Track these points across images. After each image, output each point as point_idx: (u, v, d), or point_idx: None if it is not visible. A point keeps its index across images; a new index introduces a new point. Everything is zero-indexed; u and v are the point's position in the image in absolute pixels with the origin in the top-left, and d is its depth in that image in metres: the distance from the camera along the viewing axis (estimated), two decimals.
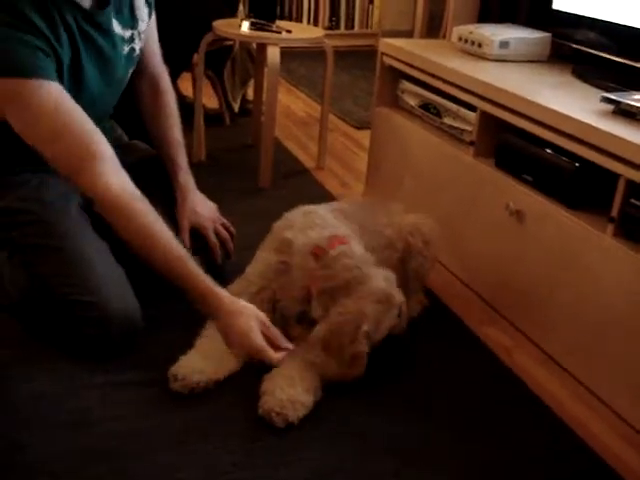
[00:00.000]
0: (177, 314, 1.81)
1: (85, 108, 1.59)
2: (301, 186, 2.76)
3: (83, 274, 1.61)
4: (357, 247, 1.62)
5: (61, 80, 1.54)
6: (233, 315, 1.47)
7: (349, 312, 1.54)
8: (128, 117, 1.93)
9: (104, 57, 1.66)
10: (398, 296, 1.61)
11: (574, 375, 1.70)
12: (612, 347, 1.59)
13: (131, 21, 1.72)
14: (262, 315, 1.50)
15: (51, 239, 1.64)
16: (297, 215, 1.73)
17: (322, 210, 1.74)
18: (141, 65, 1.86)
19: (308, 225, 1.66)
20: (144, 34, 1.78)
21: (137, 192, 1.55)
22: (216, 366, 1.56)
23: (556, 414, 1.59)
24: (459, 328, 1.89)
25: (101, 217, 1.74)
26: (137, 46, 1.76)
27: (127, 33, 1.71)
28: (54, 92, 1.49)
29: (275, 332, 1.48)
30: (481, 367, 1.73)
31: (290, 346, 1.50)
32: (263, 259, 1.70)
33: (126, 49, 1.72)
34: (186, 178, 1.91)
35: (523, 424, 1.55)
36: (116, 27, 1.66)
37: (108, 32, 1.65)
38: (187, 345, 1.66)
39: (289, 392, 1.46)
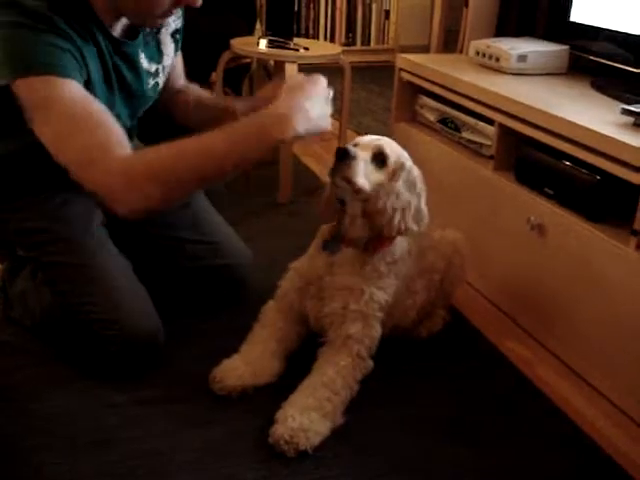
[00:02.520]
0: (197, 331, 1.82)
1: None
2: (314, 200, 2.76)
3: (105, 292, 1.61)
4: None
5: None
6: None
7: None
8: (143, 125, 1.93)
9: (131, 92, 1.65)
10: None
11: (599, 389, 1.68)
12: (637, 361, 1.57)
13: (157, 56, 1.71)
14: None
15: (73, 257, 1.64)
16: None
17: None
18: (169, 89, 1.85)
19: None
20: (168, 68, 1.78)
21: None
22: (256, 372, 1.59)
23: (581, 429, 1.57)
24: (480, 341, 1.88)
25: (123, 234, 1.75)
26: (161, 80, 1.75)
27: (153, 67, 1.69)
28: (77, 90, 1.40)
29: None
30: (503, 381, 1.72)
31: None
32: None
33: (151, 83, 1.71)
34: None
35: (547, 439, 1.53)
36: (143, 61, 1.65)
37: (135, 65, 1.63)
38: (207, 362, 1.66)
39: (301, 420, 1.43)
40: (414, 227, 1.55)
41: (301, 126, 1.38)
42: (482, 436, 1.52)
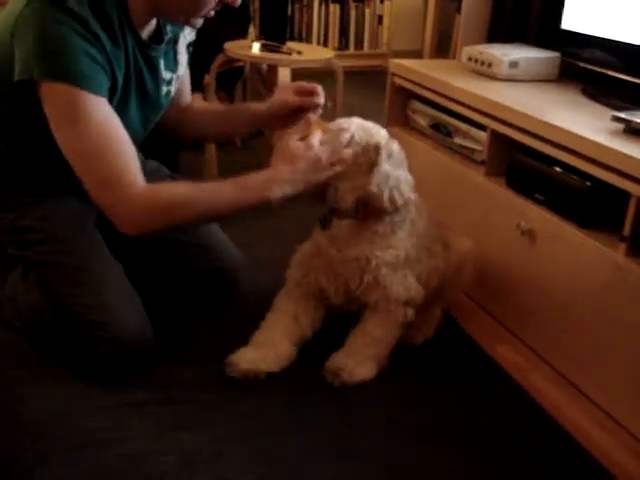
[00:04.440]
0: (188, 334, 1.82)
1: None
2: (313, 206, 2.76)
3: (96, 293, 1.61)
4: None
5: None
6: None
7: None
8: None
9: (147, 97, 1.66)
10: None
11: (591, 398, 1.68)
12: (629, 368, 1.58)
13: (173, 64, 1.72)
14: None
15: (66, 258, 1.65)
16: None
17: None
18: (179, 101, 1.89)
19: None
20: (180, 79, 1.80)
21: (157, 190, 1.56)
22: (266, 357, 1.64)
23: (573, 438, 1.57)
24: (472, 348, 1.89)
25: (116, 237, 1.75)
26: (173, 89, 1.77)
27: (168, 75, 1.71)
28: (105, 109, 1.46)
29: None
30: (495, 387, 1.73)
31: None
32: None
33: (164, 90, 1.72)
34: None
35: (539, 448, 1.54)
36: (162, 67, 1.67)
37: (155, 71, 1.65)
38: (197, 365, 1.66)
39: (346, 362, 1.64)
40: (412, 196, 1.67)
41: (288, 188, 1.60)
42: (474, 443, 1.53)
